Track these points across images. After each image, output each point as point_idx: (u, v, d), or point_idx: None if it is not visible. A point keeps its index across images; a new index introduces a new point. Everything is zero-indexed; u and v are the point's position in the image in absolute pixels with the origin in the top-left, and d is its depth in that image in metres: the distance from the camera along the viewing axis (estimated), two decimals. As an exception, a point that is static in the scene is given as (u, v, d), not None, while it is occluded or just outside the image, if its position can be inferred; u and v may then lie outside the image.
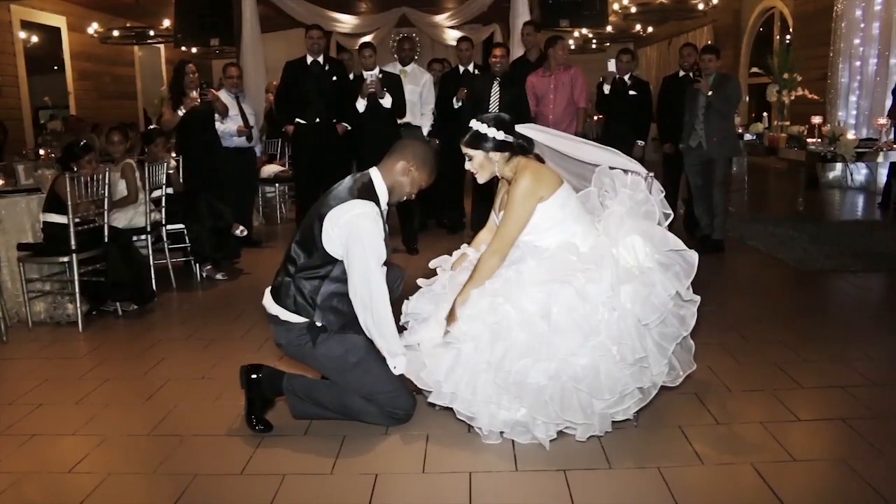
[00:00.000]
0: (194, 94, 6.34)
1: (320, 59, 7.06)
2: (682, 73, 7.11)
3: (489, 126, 3.15)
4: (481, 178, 3.25)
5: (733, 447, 2.96)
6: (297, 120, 7.06)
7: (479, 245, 3.43)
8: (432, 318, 3.15)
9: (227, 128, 6.89)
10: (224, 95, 6.95)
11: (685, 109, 6.54)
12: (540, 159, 3.35)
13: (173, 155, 6.47)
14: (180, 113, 6.36)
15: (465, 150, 3.22)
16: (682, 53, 7.24)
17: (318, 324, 3.07)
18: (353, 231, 2.98)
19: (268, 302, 3.18)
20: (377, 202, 3.08)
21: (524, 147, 3.21)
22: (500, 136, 3.14)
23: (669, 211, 3.17)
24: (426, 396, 3.15)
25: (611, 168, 3.27)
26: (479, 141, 3.17)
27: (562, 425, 2.95)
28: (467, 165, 3.26)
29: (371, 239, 2.99)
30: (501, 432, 3.02)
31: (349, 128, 6.91)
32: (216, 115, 6.66)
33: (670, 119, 7.12)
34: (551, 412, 2.87)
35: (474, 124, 3.19)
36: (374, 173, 3.16)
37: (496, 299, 2.96)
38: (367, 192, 3.08)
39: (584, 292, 2.87)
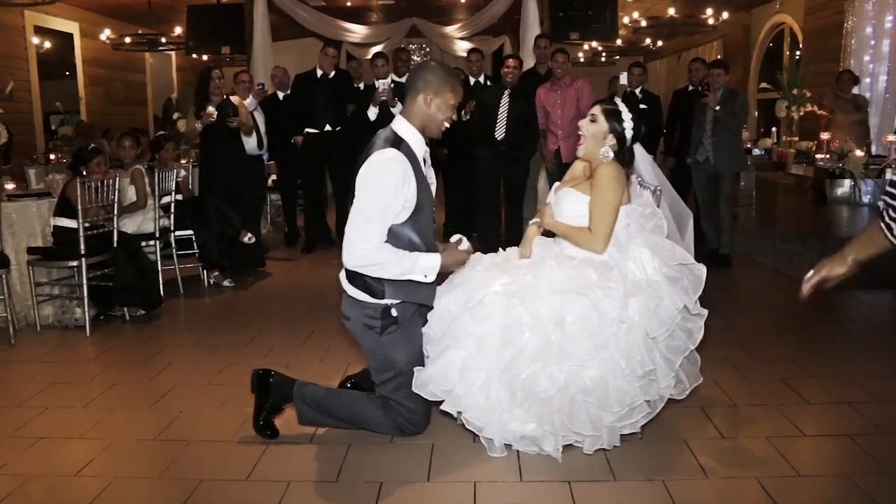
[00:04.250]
0: (211, 108, 6.30)
1: (330, 71, 7.16)
2: (691, 88, 7.14)
3: (631, 116, 3.14)
4: (582, 150, 3.21)
5: (738, 461, 2.96)
6: (307, 130, 7.13)
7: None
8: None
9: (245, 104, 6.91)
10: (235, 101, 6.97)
11: (693, 123, 6.56)
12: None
13: (183, 162, 6.49)
14: (199, 126, 6.37)
15: (597, 111, 3.18)
16: (691, 68, 7.27)
17: (394, 313, 3.01)
18: (363, 177, 2.89)
19: (345, 283, 3.07)
20: (406, 149, 2.94)
21: (624, 158, 3.19)
22: (628, 130, 3.13)
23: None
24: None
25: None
26: (612, 116, 3.15)
27: (570, 438, 2.95)
28: (583, 126, 3.19)
29: (381, 183, 2.86)
30: (508, 445, 3.01)
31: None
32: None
33: (680, 133, 7.13)
34: (558, 423, 2.87)
35: (621, 104, 3.18)
36: (397, 120, 3.03)
37: (511, 301, 2.95)
38: (392, 141, 2.95)
39: (600, 307, 2.87)
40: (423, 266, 2.95)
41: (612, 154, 3.15)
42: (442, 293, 3.10)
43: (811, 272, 2.26)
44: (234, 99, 6.56)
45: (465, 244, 3.17)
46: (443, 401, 3.00)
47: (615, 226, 3.09)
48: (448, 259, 3.04)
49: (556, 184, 3.42)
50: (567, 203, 3.21)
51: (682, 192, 7.07)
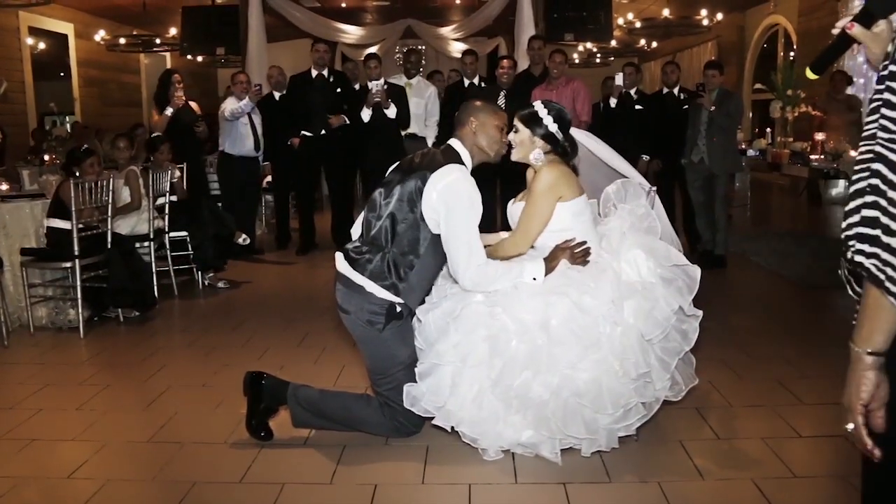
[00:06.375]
0: (179, 93, 6.62)
1: (325, 71, 7.16)
2: (666, 91, 7.19)
3: (549, 114, 3.15)
4: (515, 155, 3.26)
5: (734, 462, 2.95)
6: (303, 132, 7.13)
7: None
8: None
9: (241, 106, 7.02)
10: (233, 102, 7.01)
11: (688, 125, 6.57)
12: (575, 171, 3.34)
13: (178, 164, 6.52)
14: (168, 112, 6.56)
15: (516, 121, 3.23)
16: (665, 71, 7.31)
17: (398, 309, 2.99)
18: (454, 194, 2.94)
19: (350, 272, 3.03)
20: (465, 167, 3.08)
21: (567, 151, 3.21)
22: (553, 128, 3.15)
23: (679, 245, 3.21)
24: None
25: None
26: (532, 121, 3.18)
27: (567, 442, 2.93)
28: (511, 136, 3.24)
29: (472, 200, 2.96)
30: (505, 451, 2.99)
31: (346, 121, 7.09)
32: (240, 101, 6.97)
33: (657, 135, 7.14)
34: (553, 427, 2.86)
35: (538, 105, 3.20)
36: (454, 142, 3.15)
37: (494, 309, 2.93)
38: (456, 158, 3.06)
39: (582, 304, 2.86)
40: (531, 271, 3.00)
41: (542, 157, 3.18)
42: (427, 310, 3.07)
43: (850, 424, 1.41)
44: (193, 104, 6.91)
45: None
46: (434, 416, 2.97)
47: (587, 226, 3.13)
48: (551, 263, 3.05)
49: (511, 201, 3.42)
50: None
51: (666, 191, 7.11)
